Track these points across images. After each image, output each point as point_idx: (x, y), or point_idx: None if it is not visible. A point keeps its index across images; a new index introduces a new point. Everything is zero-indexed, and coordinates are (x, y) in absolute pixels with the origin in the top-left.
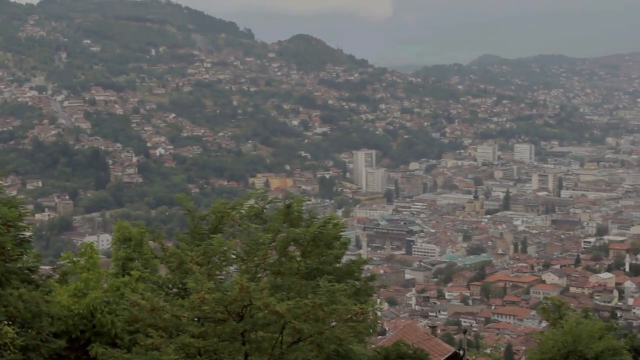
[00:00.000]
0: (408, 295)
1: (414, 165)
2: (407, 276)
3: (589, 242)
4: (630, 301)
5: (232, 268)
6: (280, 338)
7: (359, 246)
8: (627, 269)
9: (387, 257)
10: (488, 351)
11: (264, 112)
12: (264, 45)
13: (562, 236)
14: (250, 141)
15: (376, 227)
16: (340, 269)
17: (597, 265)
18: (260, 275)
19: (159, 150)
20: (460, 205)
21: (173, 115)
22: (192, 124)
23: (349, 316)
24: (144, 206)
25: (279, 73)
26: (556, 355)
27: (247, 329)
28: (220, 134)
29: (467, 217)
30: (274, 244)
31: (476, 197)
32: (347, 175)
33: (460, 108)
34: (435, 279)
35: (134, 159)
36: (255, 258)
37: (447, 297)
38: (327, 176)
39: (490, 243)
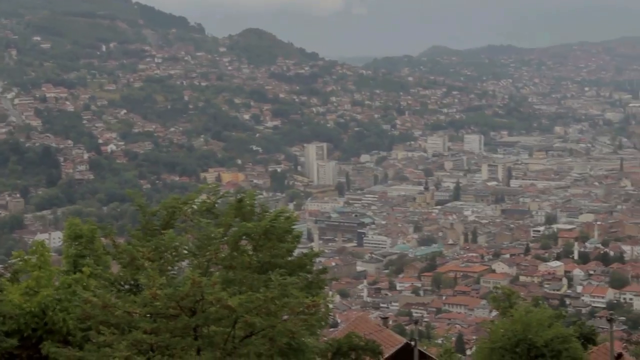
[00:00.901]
0: (360, 287)
1: (364, 158)
2: (359, 268)
3: (538, 231)
4: (579, 289)
5: (184, 263)
6: (233, 332)
7: (310, 239)
8: (576, 257)
9: (338, 250)
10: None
11: (215, 107)
12: (214, 40)
13: (512, 225)
14: (201, 136)
15: (328, 220)
16: (292, 262)
17: (547, 254)
18: (212, 270)
19: (111, 147)
20: (411, 197)
21: (124, 111)
22: (143, 119)
23: (300, 309)
24: (95, 203)
25: (229, 67)
26: (506, 343)
27: (199, 324)
28: (172, 129)
29: (417, 209)
30: (225, 238)
31: (427, 189)
32: (299, 168)
33: (410, 100)
34: (387, 271)
35: (85, 156)
36: (207, 253)
37: (398, 288)
38: (279, 170)
39: (440, 234)
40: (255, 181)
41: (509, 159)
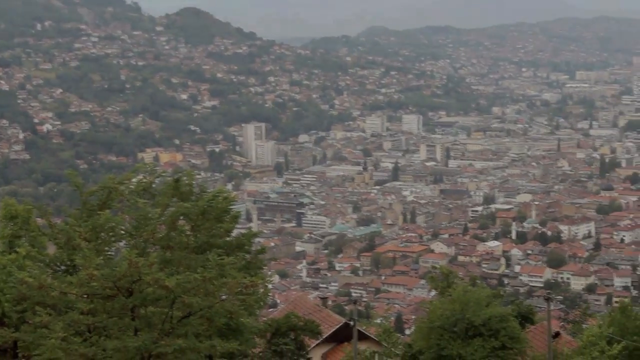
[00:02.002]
0: (299, 267)
1: (303, 138)
2: (298, 248)
3: (477, 211)
4: (517, 268)
5: (121, 244)
6: (170, 313)
7: (249, 219)
8: (514, 237)
9: (277, 230)
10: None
11: (152, 87)
12: (151, 18)
13: (450, 206)
14: (139, 116)
15: (266, 200)
16: (230, 242)
17: (485, 234)
18: (149, 250)
19: (46, 127)
20: (350, 177)
21: (60, 90)
22: (80, 99)
23: (239, 289)
24: (31, 183)
25: (167, 47)
26: (445, 323)
27: (136, 305)
28: (109, 109)
29: (356, 189)
30: (163, 218)
31: (365, 169)
32: (237, 148)
33: (349, 80)
34: (326, 251)
35: (21, 136)
36: (144, 233)
37: (337, 268)
38: (217, 150)
39: (379, 214)
40: (193, 161)
41: (447, 139)
